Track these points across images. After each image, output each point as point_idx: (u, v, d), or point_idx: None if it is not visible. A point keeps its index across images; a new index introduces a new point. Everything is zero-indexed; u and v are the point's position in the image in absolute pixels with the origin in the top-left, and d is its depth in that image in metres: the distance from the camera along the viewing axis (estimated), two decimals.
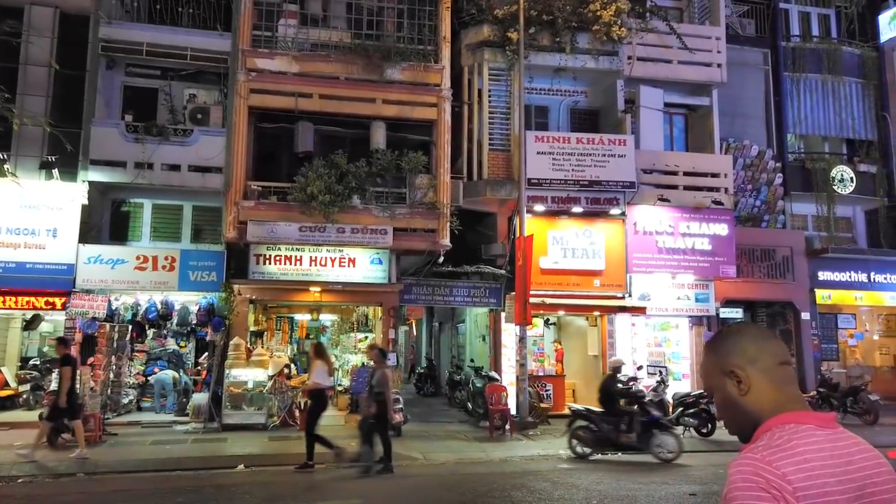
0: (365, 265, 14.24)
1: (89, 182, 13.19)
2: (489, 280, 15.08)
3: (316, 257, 14.04)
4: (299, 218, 13.59)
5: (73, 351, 12.76)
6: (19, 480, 8.72)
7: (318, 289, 13.97)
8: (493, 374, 14.09)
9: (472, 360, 16.28)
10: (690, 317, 15.46)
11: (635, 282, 15.06)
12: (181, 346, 14.88)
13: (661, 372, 13.39)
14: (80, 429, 9.92)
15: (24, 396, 13.70)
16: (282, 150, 14.56)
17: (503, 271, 14.75)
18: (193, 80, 14.65)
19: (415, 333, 23.12)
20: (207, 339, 13.85)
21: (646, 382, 13.36)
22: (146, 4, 15.20)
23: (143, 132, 13.41)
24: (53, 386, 11.27)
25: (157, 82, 14.54)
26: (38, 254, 12.58)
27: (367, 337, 16.26)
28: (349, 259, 14.21)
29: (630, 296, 15.03)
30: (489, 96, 15.37)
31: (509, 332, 14.59)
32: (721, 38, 16.67)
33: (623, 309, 14.83)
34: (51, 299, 13.00)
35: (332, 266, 14.07)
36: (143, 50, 13.82)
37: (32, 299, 12.96)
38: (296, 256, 14.01)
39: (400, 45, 14.65)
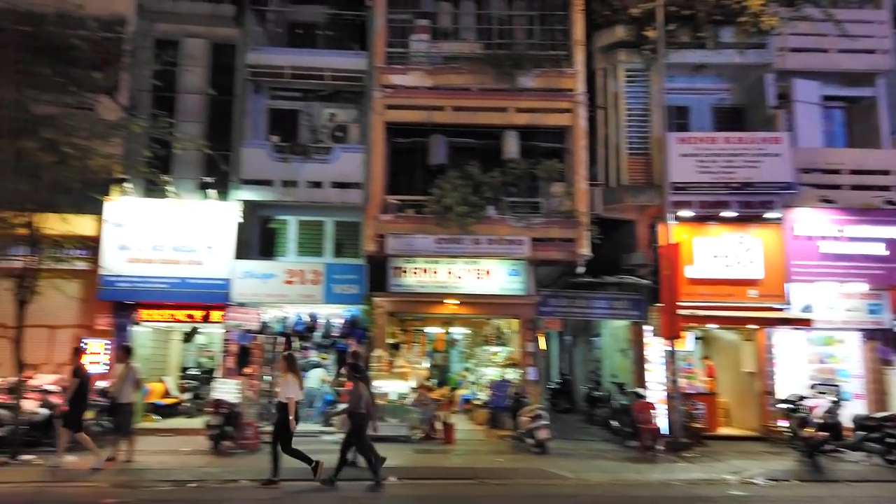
0: (501, 276, 13.99)
1: (239, 200, 13.85)
2: (630, 291, 14.35)
3: (452, 269, 13.97)
4: (435, 230, 13.62)
5: (230, 362, 13.47)
6: (188, 485, 9.11)
7: (455, 301, 13.87)
8: (640, 390, 13.33)
9: (613, 376, 15.55)
10: (862, 330, 13.91)
11: (796, 292, 13.77)
12: (323, 358, 15.26)
13: (834, 391, 12.07)
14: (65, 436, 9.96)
15: (187, 404, 14.52)
16: (415, 163, 14.67)
17: (647, 281, 13.98)
18: (332, 99, 15.11)
19: (544, 347, 22.53)
20: (349, 350, 14.10)
21: (814, 402, 12.09)
22: (287, 29, 15.92)
23: (288, 152, 13.96)
24: (217, 395, 11.83)
25: (298, 104, 15.12)
26: (197, 269, 13.32)
27: (501, 351, 16.00)
28: (485, 271, 14.02)
29: (789, 307, 13.76)
30: (625, 98, 14.72)
31: (654, 345, 13.78)
32: (886, 22, 15.08)
33: (783, 321, 13.58)
34: (208, 312, 13.75)
35: (469, 278, 13.93)
36: (285, 73, 14.44)
37: (192, 312, 13.76)
38: (432, 269, 14.01)
39: (531, 52, 14.41)
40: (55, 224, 11.28)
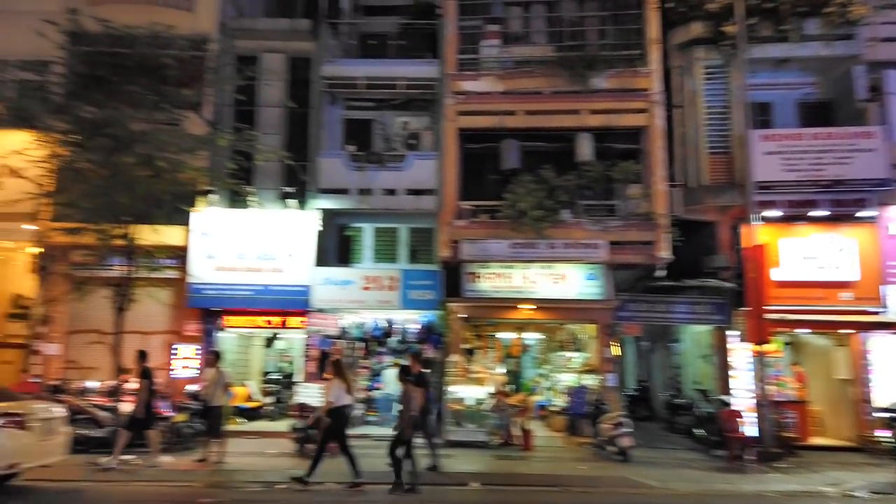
0: (578, 281, 13.80)
1: (318, 209, 14.19)
2: (712, 295, 13.88)
3: (527, 274, 13.88)
4: (510, 235, 13.60)
5: (310, 366, 13.79)
6: (276, 486, 9.35)
7: (530, 306, 13.77)
8: (726, 398, 12.86)
9: (695, 383, 15.06)
10: None
11: (893, 294, 13.00)
12: (396, 364, 15.40)
13: None
14: (155, 437, 10.31)
15: (270, 408, 14.95)
16: (487, 168, 14.67)
17: (730, 285, 13.50)
18: (405, 108, 15.29)
19: (618, 353, 22.07)
20: (422, 356, 14.19)
21: None
22: (360, 41, 16.25)
23: (363, 160, 14.22)
24: (301, 399, 12.14)
25: (371, 113, 15.38)
26: (279, 277, 13.71)
27: (575, 357, 15.75)
28: (561, 275, 13.86)
29: (886, 310, 12.99)
30: (704, 96, 14.30)
31: (739, 351, 13.27)
32: None
33: (880, 325, 12.84)
34: (286, 318, 14.14)
35: (544, 282, 13.80)
36: (359, 84, 14.72)
37: (273, 318, 14.18)
38: (507, 274, 13.96)
39: (604, 53, 14.21)
40: (147, 235, 11.88)
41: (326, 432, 9.33)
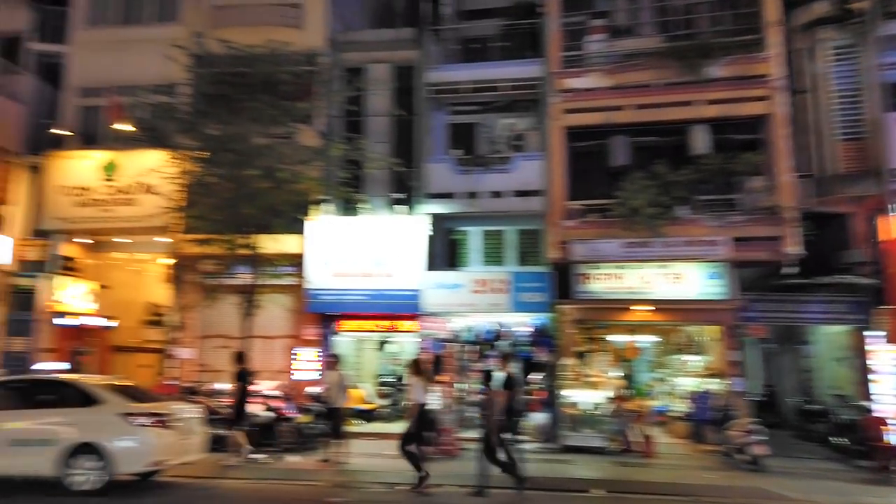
0: (698, 280, 13.16)
1: (426, 214, 14.36)
2: (848, 292, 12.83)
3: (641, 274, 13.40)
4: (621, 234, 13.20)
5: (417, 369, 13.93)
6: (397, 487, 9.48)
7: (647, 307, 13.28)
8: (867, 403, 11.84)
9: (830, 388, 13.98)
10: None
11: None
12: (502, 368, 15.30)
13: None
14: (241, 436, 10.56)
15: (385, 410, 15.29)
16: (595, 166, 14.29)
17: (869, 281, 12.43)
18: (509, 109, 15.19)
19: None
20: (533, 359, 14.03)
21: None
22: (462, 45, 16.33)
23: (469, 164, 14.27)
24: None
25: (476, 117, 15.40)
26: (390, 281, 13.98)
27: (695, 360, 15.02)
28: (677, 274, 13.28)
29: None
30: (832, 79, 13.28)
31: (882, 353, 12.18)
32: None
33: None
34: (395, 322, 14.40)
35: (661, 283, 13.27)
36: (463, 88, 14.78)
37: (384, 322, 14.49)
38: (619, 274, 13.54)
39: (719, 40, 13.52)
40: (268, 244, 12.43)
41: (409, 432, 9.43)
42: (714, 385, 13.18)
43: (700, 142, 13.46)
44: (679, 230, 12.93)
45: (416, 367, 9.88)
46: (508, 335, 14.23)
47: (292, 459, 11.07)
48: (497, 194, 14.20)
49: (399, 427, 13.76)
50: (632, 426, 12.35)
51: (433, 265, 14.40)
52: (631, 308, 13.41)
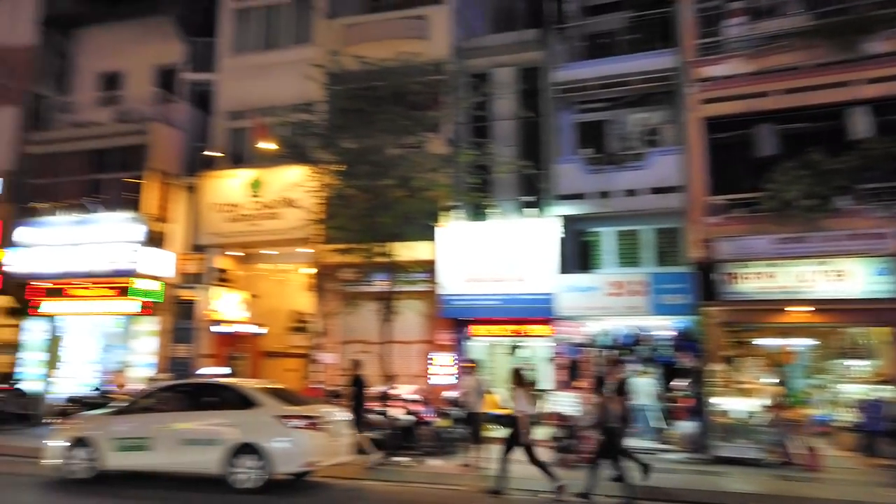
0: (862, 277, 11.92)
1: (557, 216, 14.10)
2: None
3: (796, 272, 12.34)
4: (773, 229, 12.26)
5: (560, 375, 13.71)
6: (540, 495, 9.32)
7: (802, 308, 12.21)
8: None
9: None
10: None
11: None
12: (645, 373, 14.67)
13: None
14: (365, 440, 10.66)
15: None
16: (737, 158, 13.35)
17: None
18: (640, 104, 14.58)
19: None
20: (676, 365, 13.34)
21: None
22: (588, 42, 15.91)
23: (600, 163, 13.86)
24: (558, 408, 12.10)
25: (605, 114, 14.93)
26: (522, 286, 13.86)
27: (861, 365, 13.61)
28: (839, 271, 12.09)
29: None
30: None
31: None
32: None
33: None
34: (526, 327, 14.23)
35: (820, 281, 12.15)
36: (591, 85, 14.39)
37: (516, 327, 14.37)
38: (769, 273, 12.55)
39: (879, 12, 12.22)
40: (402, 251, 12.72)
41: (511, 439, 9.42)
42: (887, 393, 11.86)
43: (860, 125, 12.22)
44: (840, 223, 11.81)
45: (517, 377, 9.81)
46: (648, 339, 13.62)
47: (433, 463, 11.23)
48: (631, 192, 13.66)
49: (533, 433, 13.65)
50: (792, 437, 11.38)
51: (565, 268, 14.09)
52: (786, 309, 12.39)
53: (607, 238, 14.61)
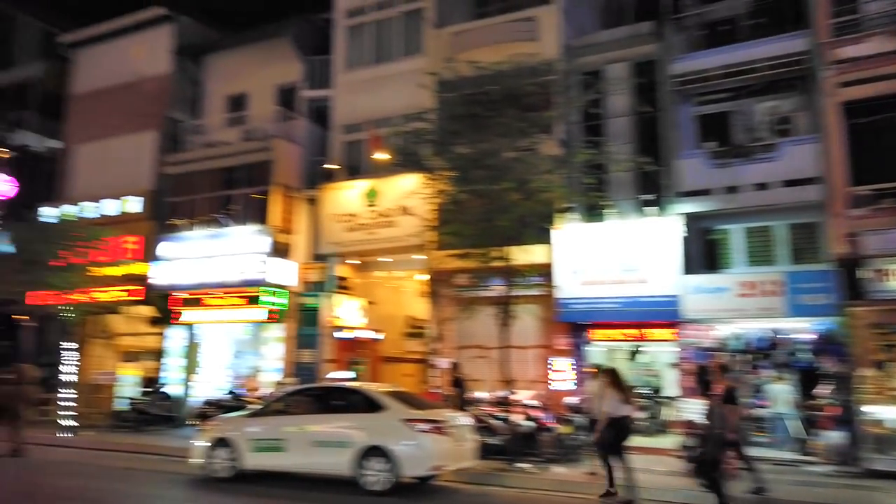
0: None
1: (679, 214, 13.48)
2: None
3: None
4: None
5: (686, 381, 13.05)
6: None
7: None
8: None
9: None
10: None
11: None
12: (781, 379, 13.68)
13: None
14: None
15: (643, 423, 14.57)
16: (882, 144, 12.22)
17: None
18: (767, 91, 13.66)
19: None
20: (818, 370, 12.33)
21: None
22: (706, 31, 15.13)
23: (726, 157, 13.11)
24: (687, 415, 11.52)
25: (727, 105, 14.11)
26: (644, 288, 13.33)
27: None
28: None
29: None
30: None
31: None
32: None
33: None
34: (645, 331, 13.70)
35: None
36: (713, 75, 13.65)
37: (638, 331, 13.86)
38: None
39: None
40: (518, 255, 12.58)
41: (604, 443, 9.23)
42: None
43: None
44: None
45: (612, 376, 9.60)
46: (785, 343, 12.69)
47: (557, 470, 10.98)
48: (762, 186, 12.81)
49: (658, 441, 13.09)
50: None
51: (690, 268, 13.42)
52: None
53: (736, 236, 13.76)
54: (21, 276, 15.95)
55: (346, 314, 17.59)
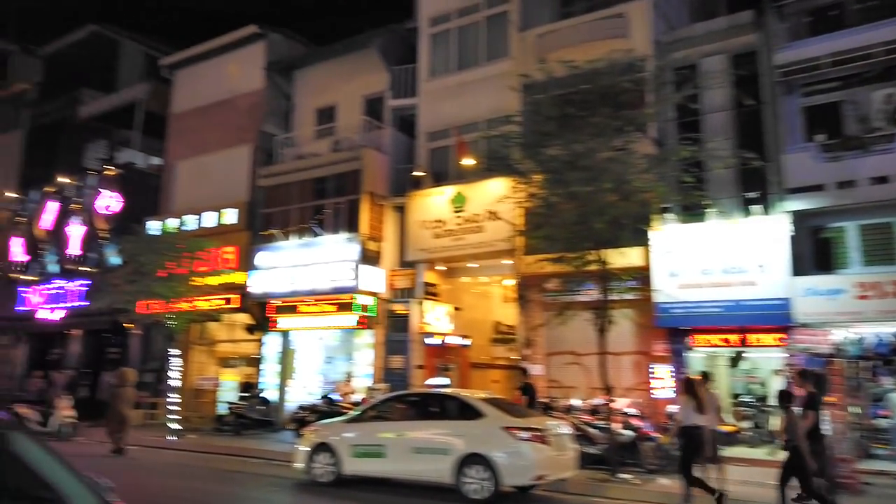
0: None
1: (787, 212, 12.71)
2: None
3: None
4: None
5: (798, 390, 12.24)
6: None
7: None
8: None
9: None
10: None
11: None
12: None
13: None
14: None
15: (747, 433, 13.82)
16: None
17: None
18: (883, 78, 12.72)
19: None
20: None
21: None
22: (811, 17, 14.28)
23: (838, 149, 12.27)
24: None
25: (837, 94, 13.24)
26: (750, 290, 12.65)
27: None
28: None
29: None
30: None
31: None
32: None
33: None
34: (746, 335, 12.97)
35: None
36: (822, 64, 12.83)
37: (744, 336, 13.13)
38: None
39: None
40: (615, 258, 12.18)
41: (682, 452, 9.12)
42: None
43: None
44: None
45: (687, 385, 9.37)
46: None
47: (662, 482, 10.51)
48: (881, 180, 11.92)
49: (763, 452, 12.31)
50: None
51: (800, 269, 12.62)
52: None
53: (851, 233, 12.86)
54: (130, 286, 16.84)
55: (435, 320, 17.61)
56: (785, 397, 8.73)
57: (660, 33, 14.80)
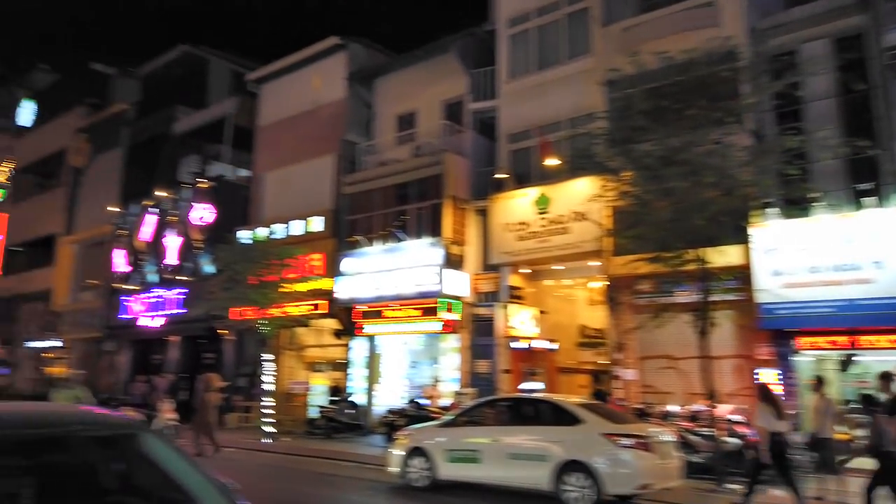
0: None
1: None
2: None
3: None
4: None
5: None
6: None
7: None
8: None
9: None
10: None
11: None
12: None
13: None
14: None
15: (862, 442, 12.85)
16: None
17: None
18: None
19: None
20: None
21: None
22: None
23: None
24: None
25: None
26: (863, 289, 11.78)
27: None
28: None
29: None
30: None
31: None
32: None
33: None
34: (856, 337, 12.09)
35: None
36: None
37: (857, 338, 12.23)
38: None
39: None
40: (714, 257, 11.59)
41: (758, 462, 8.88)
42: None
43: None
44: None
45: (763, 392, 9.09)
46: None
47: (775, 494, 9.87)
48: None
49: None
50: None
51: None
52: None
53: None
54: (224, 294, 17.47)
55: (520, 324, 17.37)
56: (869, 401, 8.15)
57: (754, 20, 14.05)
